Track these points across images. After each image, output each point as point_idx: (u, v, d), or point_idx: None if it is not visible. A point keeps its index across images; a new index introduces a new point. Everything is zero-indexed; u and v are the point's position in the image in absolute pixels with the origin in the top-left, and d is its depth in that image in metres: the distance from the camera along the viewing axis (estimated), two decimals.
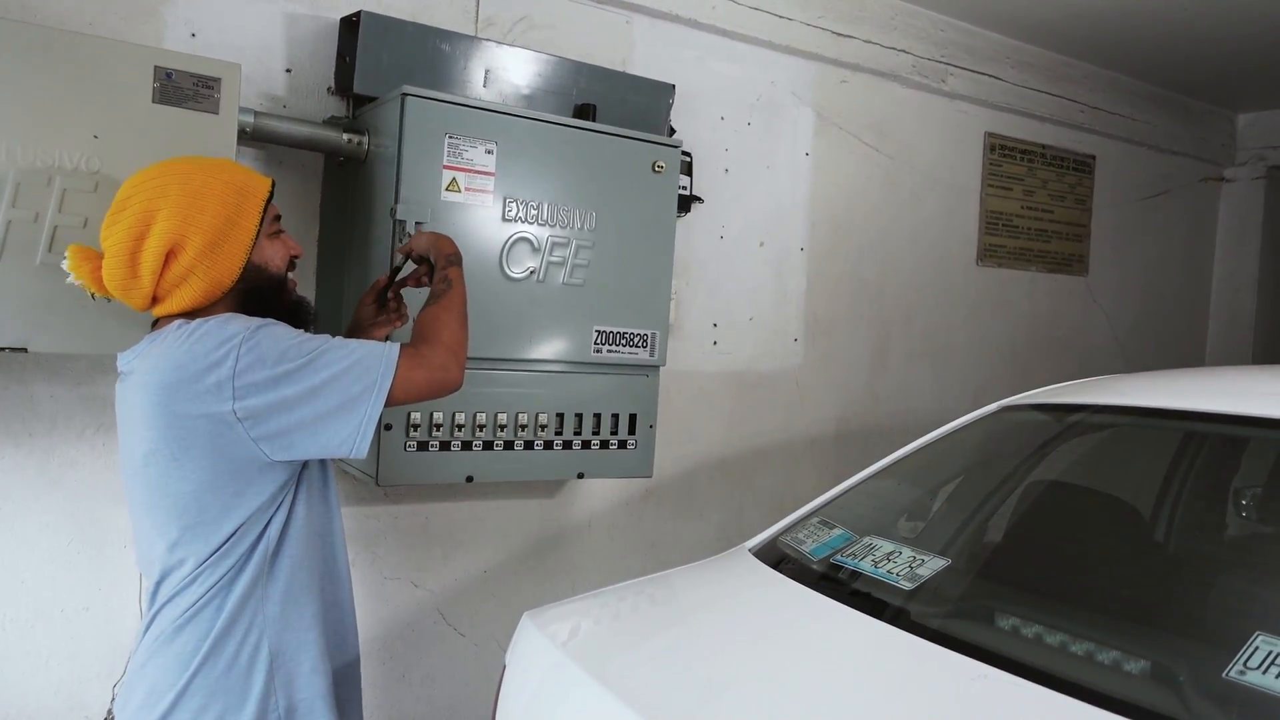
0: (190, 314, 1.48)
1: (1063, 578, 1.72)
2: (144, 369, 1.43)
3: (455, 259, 1.72)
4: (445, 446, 2.20)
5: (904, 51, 3.53)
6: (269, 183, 1.56)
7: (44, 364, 2.08)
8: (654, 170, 2.46)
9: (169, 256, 1.43)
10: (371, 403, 1.41)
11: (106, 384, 2.15)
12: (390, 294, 1.89)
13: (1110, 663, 1.32)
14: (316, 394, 1.38)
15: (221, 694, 1.41)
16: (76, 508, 2.14)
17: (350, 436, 1.40)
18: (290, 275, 1.61)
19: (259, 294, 1.53)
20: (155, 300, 1.47)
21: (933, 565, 1.62)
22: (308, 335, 1.44)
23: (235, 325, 1.40)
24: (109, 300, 1.54)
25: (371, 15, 2.32)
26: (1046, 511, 2.07)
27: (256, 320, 1.42)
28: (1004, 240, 3.99)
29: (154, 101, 1.90)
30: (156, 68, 1.90)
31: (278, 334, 1.41)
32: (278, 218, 1.59)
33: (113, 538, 2.16)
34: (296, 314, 1.59)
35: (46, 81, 1.80)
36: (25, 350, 1.79)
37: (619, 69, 2.84)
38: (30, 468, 2.09)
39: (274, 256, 1.55)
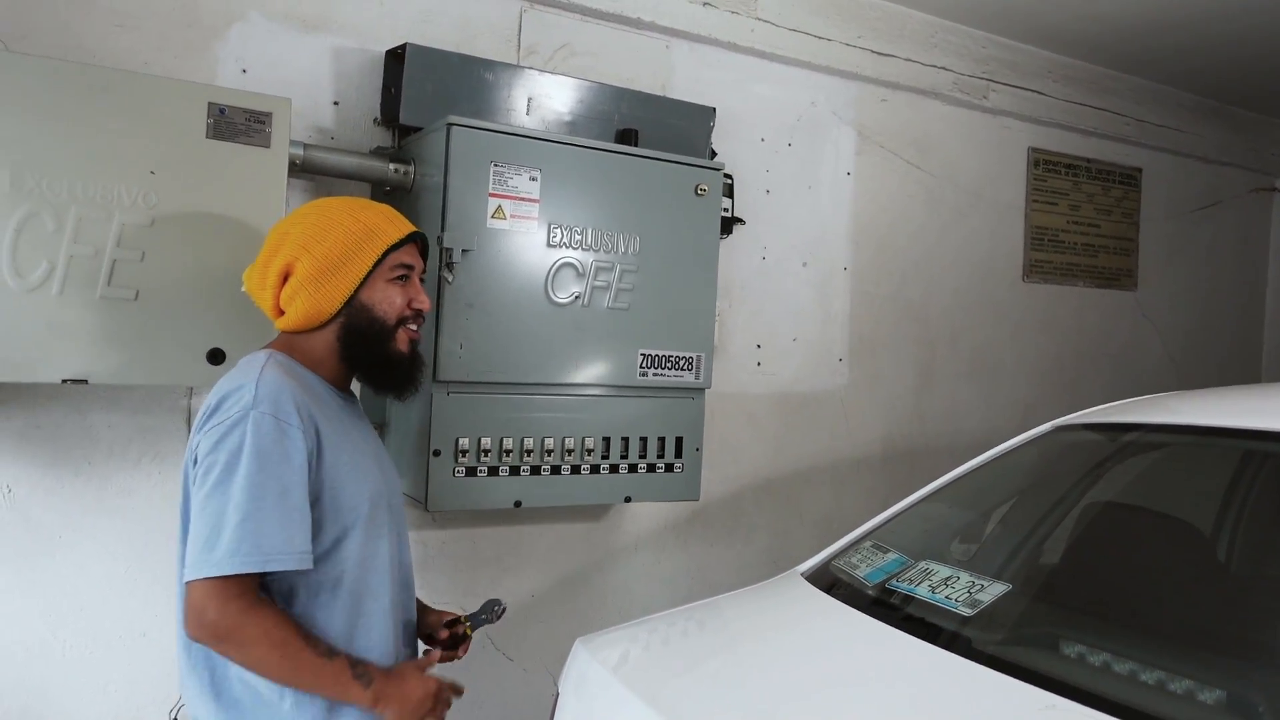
0: (298, 333, 1.55)
1: (1127, 602, 1.67)
2: None
3: (394, 697, 1.44)
4: (493, 472, 2.21)
5: (944, 69, 3.51)
6: (405, 231, 1.58)
7: (102, 394, 2.12)
8: (696, 193, 2.46)
9: (285, 275, 1.52)
10: (192, 569, 1.34)
11: (163, 413, 2.19)
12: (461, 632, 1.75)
13: (1183, 692, 1.28)
14: (199, 507, 1.37)
15: None
16: (133, 535, 2.18)
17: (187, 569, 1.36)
18: (409, 328, 1.60)
19: (359, 333, 1.54)
20: (281, 313, 1.54)
21: (993, 590, 1.58)
22: (236, 462, 1.36)
23: (240, 395, 1.40)
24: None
25: (416, 47, 2.36)
26: (1105, 533, 2.02)
27: (256, 396, 1.40)
28: (1050, 256, 3.93)
29: (208, 137, 1.95)
30: (210, 104, 1.96)
31: (232, 441, 1.36)
32: (408, 266, 1.59)
33: (169, 565, 2.18)
34: (388, 367, 1.58)
35: (105, 120, 1.85)
36: (86, 382, 1.84)
37: (659, 93, 2.85)
38: (89, 496, 2.13)
39: (384, 301, 1.55)
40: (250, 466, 1.35)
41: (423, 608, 1.74)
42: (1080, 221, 4.02)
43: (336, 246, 1.51)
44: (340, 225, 1.53)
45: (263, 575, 1.38)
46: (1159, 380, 4.27)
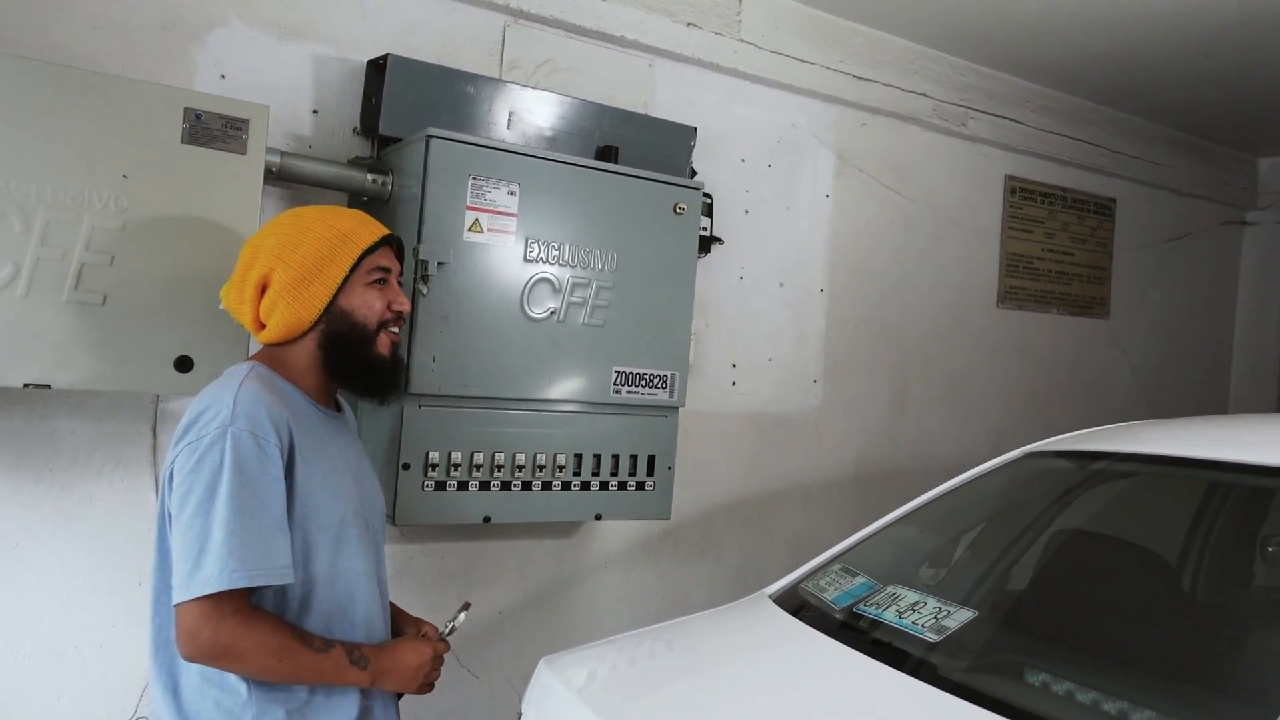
0: (280, 344, 1.54)
1: (1091, 630, 1.68)
2: None
3: (391, 670, 1.50)
4: (463, 486, 2.19)
5: (924, 95, 3.54)
6: (379, 235, 1.57)
7: (66, 400, 2.09)
8: (675, 211, 2.47)
9: (263, 286, 1.51)
10: (181, 590, 1.33)
11: (128, 421, 2.16)
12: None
13: None
14: (183, 528, 1.36)
15: None
16: (94, 544, 2.14)
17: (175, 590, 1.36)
18: (390, 330, 1.59)
19: (340, 339, 1.53)
20: (262, 326, 1.53)
21: (960, 616, 1.59)
22: (218, 480, 1.35)
23: (218, 410, 1.39)
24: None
25: (398, 58, 2.35)
26: (1072, 561, 2.04)
27: (234, 412, 1.38)
28: (1025, 283, 3.97)
29: (183, 142, 1.94)
30: (186, 109, 1.94)
31: (212, 459, 1.36)
32: (385, 269, 1.58)
33: (129, 575, 2.15)
34: (370, 371, 1.57)
35: (79, 122, 1.83)
36: (49, 387, 1.81)
37: (641, 111, 2.86)
38: (49, 503, 2.09)
39: (363, 305, 1.54)
40: (231, 484, 1.34)
41: (398, 614, 1.72)
42: (1055, 249, 4.07)
43: (311, 254, 1.50)
44: (314, 232, 1.52)
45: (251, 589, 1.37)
46: (1129, 408, 4.32)
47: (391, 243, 1.61)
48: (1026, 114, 3.87)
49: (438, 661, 1.59)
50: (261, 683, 1.41)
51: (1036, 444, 2.21)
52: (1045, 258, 4.04)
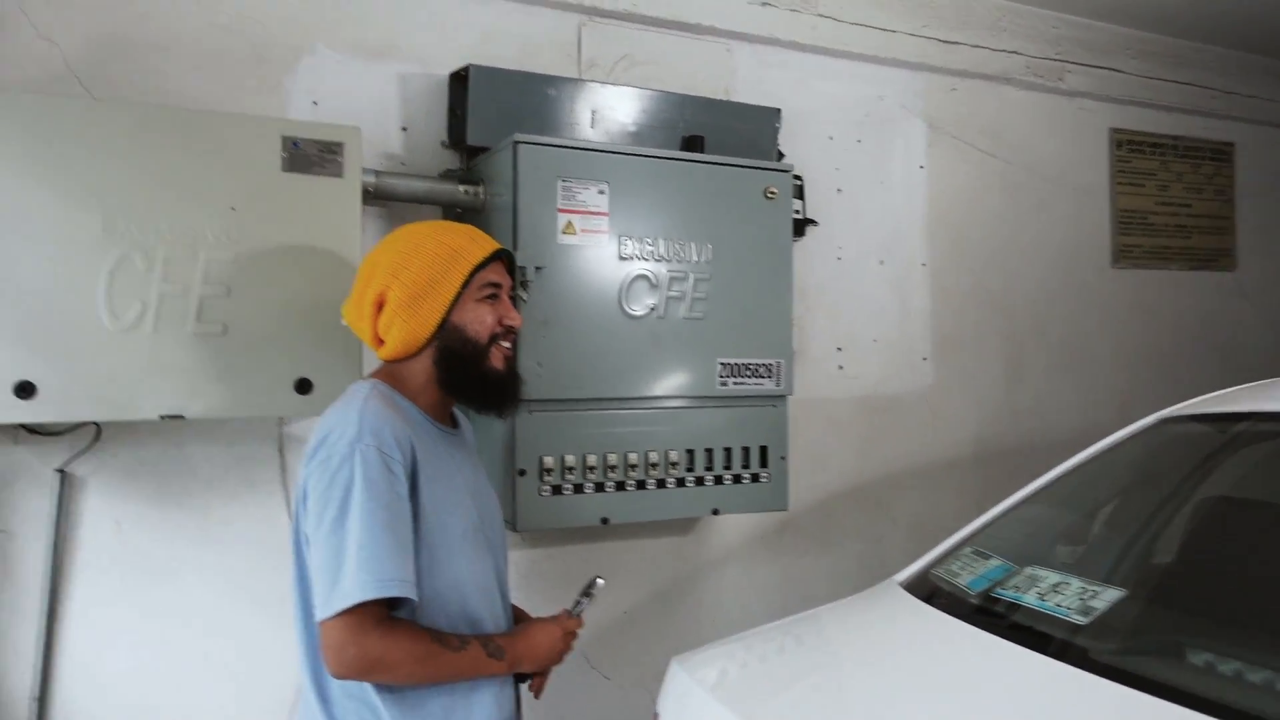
0: (398, 361, 1.57)
1: (1254, 603, 1.56)
2: None
3: (526, 654, 1.57)
4: (579, 489, 2.19)
5: (1015, 53, 3.39)
6: (490, 250, 1.58)
7: (198, 428, 2.18)
8: (766, 196, 2.42)
9: (379, 304, 1.53)
10: (323, 608, 1.36)
11: (256, 444, 2.24)
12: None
13: None
14: (320, 546, 1.39)
15: None
16: (235, 565, 2.22)
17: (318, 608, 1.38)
18: (502, 345, 1.60)
19: (455, 355, 1.55)
20: (381, 342, 1.56)
21: (1107, 596, 1.50)
22: (349, 497, 1.38)
23: (345, 429, 1.42)
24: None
25: (479, 68, 2.37)
26: (1222, 530, 1.91)
27: (360, 430, 1.41)
28: (1140, 239, 3.76)
29: (283, 170, 1.99)
30: (284, 138, 1.99)
31: (344, 476, 1.38)
32: (496, 285, 1.59)
33: (270, 593, 2.23)
34: (485, 386, 1.58)
35: (185, 160, 1.90)
36: (183, 417, 1.88)
37: (722, 98, 2.82)
38: (191, 528, 2.18)
39: (475, 320, 1.56)
40: (363, 499, 1.37)
41: (521, 618, 1.73)
42: (1170, 202, 3.84)
43: (425, 271, 1.52)
44: (426, 249, 1.54)
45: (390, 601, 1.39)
46: (1265, 365, 4.04)
47: (502, 257, 1.62)
48: (1126, 61, 3.67)
49: (569, 638, 1.64)
50: (397, 698, 1.43)
51: (1171, 408, 2.08)
52: (1160, 211, 3.82)
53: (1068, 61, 3.52)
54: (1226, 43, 3.86)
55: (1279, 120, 4.12)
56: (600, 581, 1.71)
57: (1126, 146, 3.73)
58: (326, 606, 1.35)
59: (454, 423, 1.66)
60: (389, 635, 1.36)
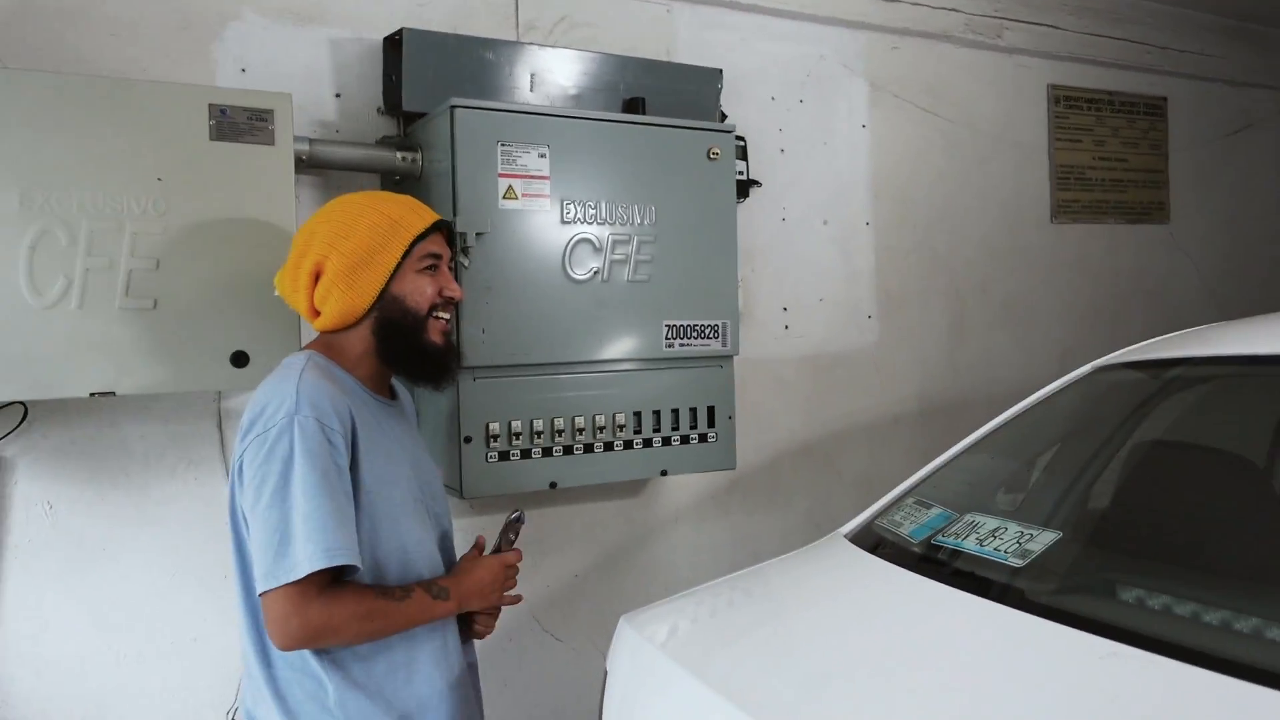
0: (335, 332, 1.55)
1: (1182, 542, 1.62)
2: None
3: (471, 591, 1.58)
4: (526, 455, 2.19)
5: (954, 10, 3.41)
6: (430, 220, 1.56)
7: (132, 405, 2.13)
8: (709, 158, 2.41)
9: (316, 274, 1.51)
10: (266, 580, 1.35)
11: (194, 420, 2.20)
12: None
13: (1251, 630, 1.23)
14: (261, 518, 1.37)
15: None
16: (177, 542, 2.19)
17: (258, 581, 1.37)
18: (440, 317, 1.59)
19: (393, 326, 1.54)
20: (317, 314, 1.54)
21: (1043, 539, 1.54)
22: (289, 469, 1.36)
23: (282, 401, 1.40)
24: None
25: (413, 32, 2.32)
26: (1155, 473, 1.96)
27: (298, 401, 1.39)
28: (1078, 195, 3.83)
29: (212, 139, 1.94)
30: (211, 106, 1.93)
31: (282, 448, 1.37)
32: (436, 255, 1.58)
33: (214, 570, 2.20)
34: (423, 358, 1.57)
35: (108, 129, 1.84)
36: (114, 394, 1.84)
37: (664, 59, 2.79)
38: (129, 507, 2.14)
39: (415, 291, 1.54)
40: (304, 470, 1.36)
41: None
42: (1107, 157, 3.91)
43: (364, 241, 1.50)
44: (365, 219, 1.52)
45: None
46: (1198, 313, 4.15)
47: (442, 228, 1.61)
48: (1064, 18, 3.71)
49: (511, 571, 1.66)
50: (339, 664, 1.43)
51: (1106, 357, 2.13)
52: (1097, 166, 3.88)
53: (1006, 19, 3.55)
54: None
55: (1210, 74, 4.21)
56: (517, 515, 1.71)
57: (1064, 102, 3.78)
58: (269, 578, 1.34)
59: (392, 394, 1.65)
60: (331, 601, 1.36)
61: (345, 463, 1.41)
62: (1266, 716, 1.07)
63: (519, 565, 1.69)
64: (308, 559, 1.33)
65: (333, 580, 1.38)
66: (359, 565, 1.39)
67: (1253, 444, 2.13)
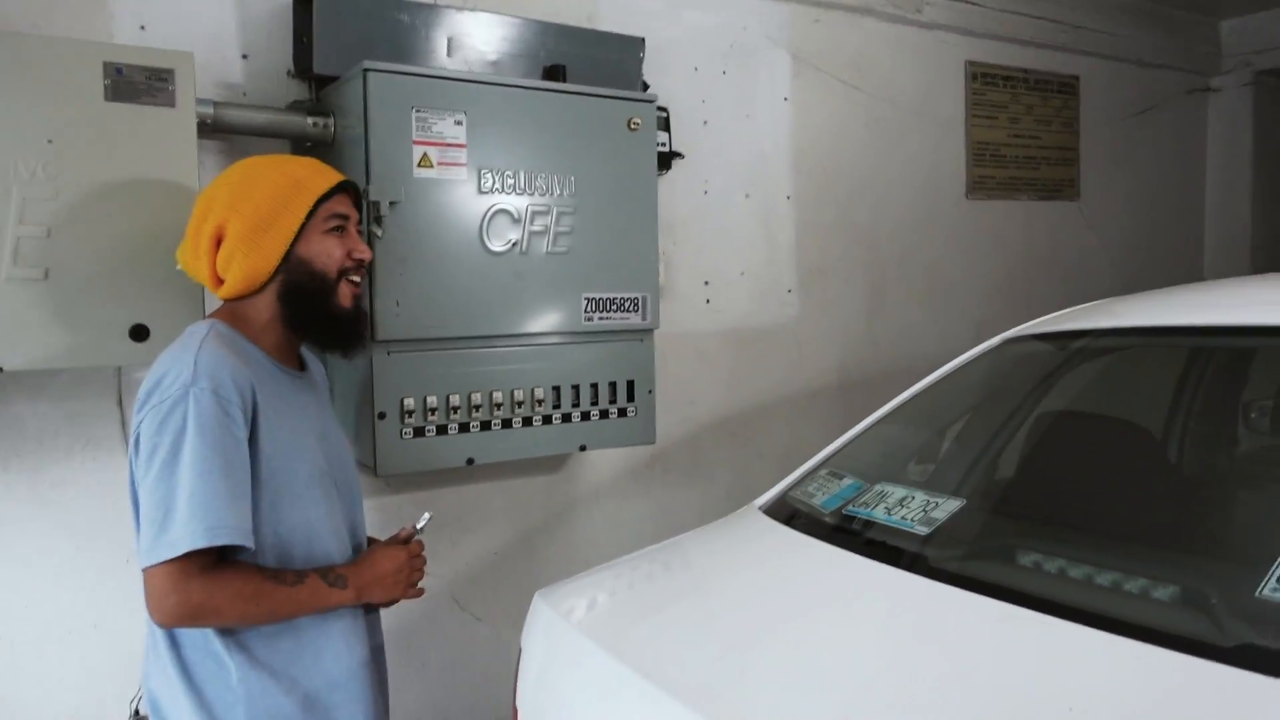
0: (239, 299, 1.50)
1: (1080, 508, 1.68)
2: None
3: (371, 582, 1.52)
4: (442, 431, 2.16)
5: None
6: (334, 180, 1.52)
7: (24, 383, 2.03)
8: (630, 128, 2.39)
9: (217, 239, 1.46)
10: (147, 555, 1.32)
11: (92, 398, 2.10)
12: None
13: (1138, 591, 1.29)
14: (148, 491, 1.34)
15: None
16: (75, 526, 2.10)
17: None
18: (351, 280, 1.55)
19: (300, 289, 1.49)
20: (220, 282, 1.48)
21: (947, 507, 1.58)
22: (181, 442, 1.32)
23: (179, 372, 1.36)
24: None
25: None
26: (1058, 442, 2.03)
27: (195, 372, 1.35)
28: (992, 171, 3.91)
29: (107, 99, 1.84)
30: (106, 64, 1.84)
31: (175, 420, 1.33)
32: (343, 216, 1.53)
33: (115, 555, 2.12)
34: (332, 323, 1.53)
35: None
36: (1, 370, 1.74)
37: (585, 26, 2.75)
38: (21, 489, 2.05)
39: (322, 253, 1.50)
40: (195, 444, 1.31)
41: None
42: (1021, 134, 4.00)
43: (265, 202, 1.46)
44: (267, 179, 1.48)
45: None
46: (1106, 288, 4.30)
47: (348, 189, 1.56)
48: None
49: (416, 561, 1.60)
50: (241, 644, 1.40)
51: (1015, 329, 2.19)
52: (1011, 143, 3.97)
53: None
54: None
55: (1120, 54, 4.33)
56: (426, 516, 1.68)
57: (981, 79, 3.85)
58: (150, 554, 1.30)
59: (301, 364, 1.60)
60: (213, 580, 1.32)
61: (243, 435, 1.37)
62: (1152, 672, 1.12)
63: (424, 556, 1.64)
64: (189, 536, 1.29)
65: (220, 559, 1.35)
66: (249, 545, 1.35)
67: (1151, 414, 2.22)
